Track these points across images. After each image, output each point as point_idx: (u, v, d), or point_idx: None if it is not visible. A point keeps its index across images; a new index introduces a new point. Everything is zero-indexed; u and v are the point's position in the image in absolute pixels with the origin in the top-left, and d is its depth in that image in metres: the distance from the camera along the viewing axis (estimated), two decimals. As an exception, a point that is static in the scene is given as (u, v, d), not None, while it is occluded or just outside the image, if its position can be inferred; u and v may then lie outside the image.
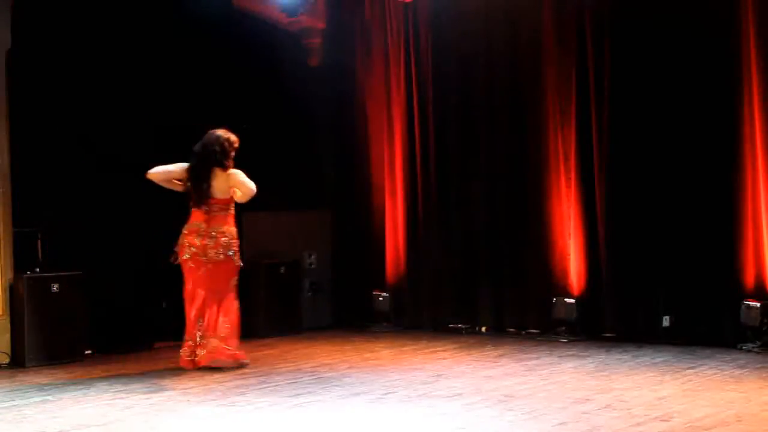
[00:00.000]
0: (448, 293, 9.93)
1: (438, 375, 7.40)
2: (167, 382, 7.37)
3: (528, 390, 6.71)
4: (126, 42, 9.14)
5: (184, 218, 8.26)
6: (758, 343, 7.98)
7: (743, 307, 8.05)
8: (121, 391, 7.05)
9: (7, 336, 8.29)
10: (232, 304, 7.93)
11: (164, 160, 9.36)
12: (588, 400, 6.32)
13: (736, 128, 8.25)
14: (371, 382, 7.18)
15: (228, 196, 7.85)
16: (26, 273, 8.36)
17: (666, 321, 8.57)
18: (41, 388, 7.26)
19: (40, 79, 8.68)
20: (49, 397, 6.90)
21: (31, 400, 6.83)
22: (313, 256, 10.52)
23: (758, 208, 8.16)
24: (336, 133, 10.82)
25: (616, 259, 8.85)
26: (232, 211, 7.96)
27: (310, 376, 7.51)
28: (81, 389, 7.16)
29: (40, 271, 8.42)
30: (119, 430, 5.93)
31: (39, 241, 8.54)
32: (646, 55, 8.69)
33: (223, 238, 7.83)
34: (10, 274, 8.36)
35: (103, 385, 7.27)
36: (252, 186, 7.79)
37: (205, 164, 7.86)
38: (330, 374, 7.55)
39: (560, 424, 5.70)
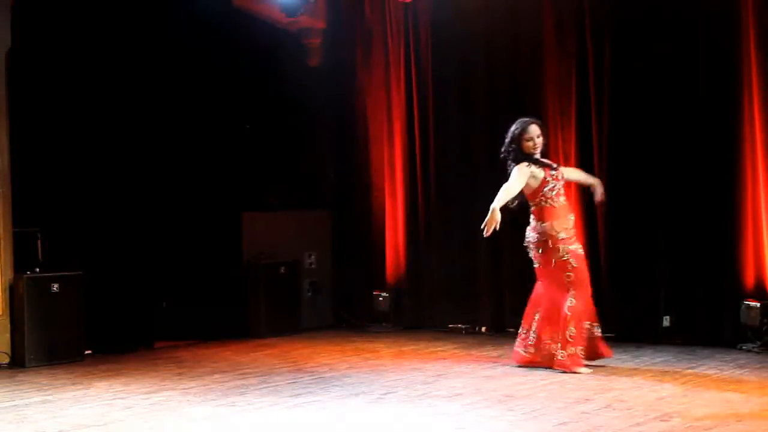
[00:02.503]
0: (448, 293, 9.93)
1: (438, 375, 7.40)
2: (167, 382, 7.37)
3: (528, 390, 6.71)
4: (126, 42, 9.14)
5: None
6: (758, 343, 7.98)
7: (743, 307, 8.05)
8: (121, 391, 7.05)
9: (7, 336, 8.29)
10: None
11: (163, 159, 9.40)
12: (588, 400, 6.32)
13: (736, 128, 8.25)
14: (371, 382, 7.18)
15: (536, 189, 7.43)
16: (26, 273, 8.35)
17: (666, 321, 8.57)
18: (41, 388, 7.26)
19: (40, 79, 8.68)
20: (49, 397, 6.91)
21: (31, 400, 6.83)
22: (313, 256, 10.52)
23: (758, 208, 8.16)
24: (336, 134, 10.81)
25: (616, 259, 8.85)
26: (537, 206, 7.47)
27: (310, 376, 7.51)
28: (81, 389, 7.16)
29: (40, 271, 8.42)
30: (119, 430, 5.93)
31: (39, 241, 8.54)
32: (646, 55, 8.69)
33: (529, 235, 7.60)
34: (10, 274, 8.36)
35: (103, 385, 7.27)
36: (504, 186, 7.28)
37: (505, 160, 7.54)
38: (330, 374, 7.55)
39: (560, 424, 5.70)
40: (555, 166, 7.58)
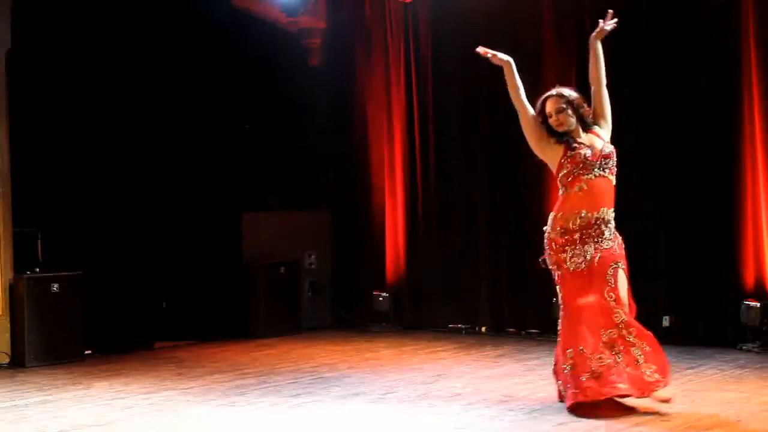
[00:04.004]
0: (448, 293, 9.93)
1: (438, 375, 7.40)
2: (167, 382, 7.37)
3: (528, 390, 6.71)
4: (126, 42, 9.14)
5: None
6: (758, 343, 7.98)
7: (743, 307, 8.05)
8: (121, 391, 7.05)
9: (7, 336, 8.29)
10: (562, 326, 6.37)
11: (163, 159, 9.40)
12: (588, 400, 6.31)
13: (736, 128, 8.25)
14: (371, 382, 7.18)
15: (554, 172, 6.24)
16: (26, 273, 8.36)
17: (666, 321, 8.56)
18: (41, 388, 7.26)
19: (40, 79, 8.68)
20: (49, 397, 6.91)
21: (31, 400, 6.83)
22: (313, 256, 10.52)
23: (758, 208, 8.16)
24: (336, 133, 10.82)
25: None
26: (561, 191, 6.23)
27: (310, 376, 7.51)
28: (81, 389, 7.16)
29: (40, 271, 8.42)
30: (119, 430, 5.93)
31: (39, 241, 8.54)
32: (645, 55, 8.69)
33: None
34: (10, 274, 8.36)
35: (103, 385, 7.27)
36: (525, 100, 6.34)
37: None
38: (330, 374, 7.55)
39: (560, 424, 5.70)
40: (574, 145, 6.12)
